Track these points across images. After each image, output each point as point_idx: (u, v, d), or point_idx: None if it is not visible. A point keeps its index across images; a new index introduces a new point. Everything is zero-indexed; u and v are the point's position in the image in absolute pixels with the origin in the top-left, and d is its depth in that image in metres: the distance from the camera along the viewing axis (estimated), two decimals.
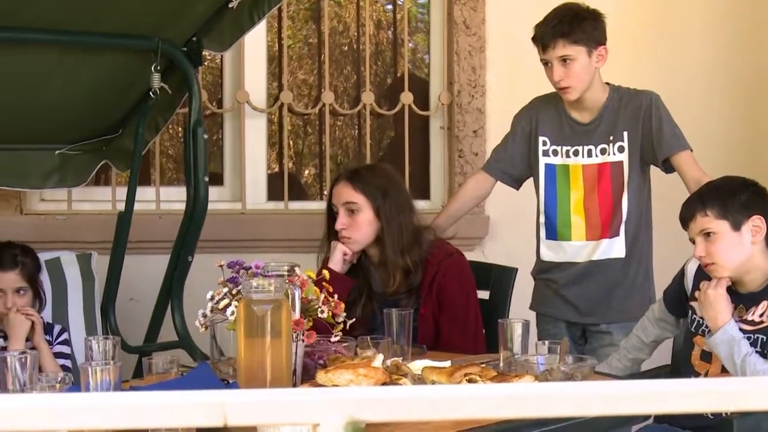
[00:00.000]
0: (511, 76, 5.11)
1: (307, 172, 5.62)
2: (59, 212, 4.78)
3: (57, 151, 4.44)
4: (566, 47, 3.77)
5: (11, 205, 4.68)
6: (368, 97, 5.13)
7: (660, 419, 3.40)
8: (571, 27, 3.77)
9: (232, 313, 2.75)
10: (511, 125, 4.13)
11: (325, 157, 5.20)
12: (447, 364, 2.89)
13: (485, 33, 5.15)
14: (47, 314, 4.09)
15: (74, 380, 2.95)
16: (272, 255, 4.38)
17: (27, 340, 3.81)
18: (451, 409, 0.98)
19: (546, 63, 3.84)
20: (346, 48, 5.50)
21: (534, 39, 3.85)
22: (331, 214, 3.72)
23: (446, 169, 5.22)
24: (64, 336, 3.93)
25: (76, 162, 4.48)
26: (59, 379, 2.58)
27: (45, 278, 4.09)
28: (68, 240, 4.54)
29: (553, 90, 3.92)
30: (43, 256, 4.14)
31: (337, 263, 3.63)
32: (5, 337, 3.85)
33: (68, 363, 3.89)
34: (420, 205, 4.20)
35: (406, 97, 5.16)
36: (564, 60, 3.79)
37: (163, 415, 0.92)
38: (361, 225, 3.63)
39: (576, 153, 3.94)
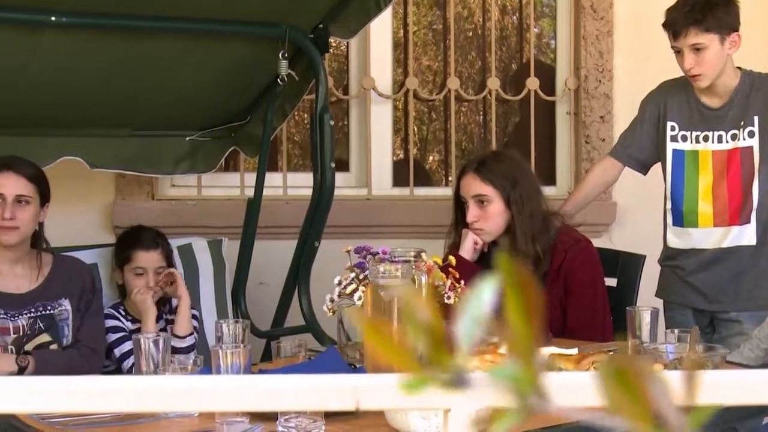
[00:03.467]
0: (639, 60, 5.04)
1: (431, 158, 5.62)
2: (189, 198, 4.86)
3: (187, 138, 4.52)
4: (698, 35, 3.69)
5: (143, 191, 4.78)
6: (494, 83, 5.11)
7: None
8: (704, 14, 3.69)
9: (360, 298, 2.77)
10: (639, 110, 4.07)
11: (450, 143, 5.19)
12: (574, 351, 2.87)
13: (612, 17, 5.08)
14: None
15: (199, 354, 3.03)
16: (397, 241, 4.39)
17: (166, 301, 3.93)
18: (582, 396, 0.97)
19: (677, 50, 3.77)
20: (471, 34, 5.49)
21: (664, 25, 3.78)
22: (459, 203, 3.72)
23: (573, 155, 5.17)
24: (194, 312, 4.06)
25: (206, 148, 4.56)
26: (191, 361, 2.64)
27: (177, 263, 4.19)
28: (198, 225, 4.62)
29: (682, 74, 3.85)
30: (176, 242, 4.23)
31: (467, 251, 3.63)
32: (133, 321, 3.95)
33: (195, 323, 4.01)
34: (546, 191, 4.17)
35: (532, 83, 5.13)
36: (696, 48, 3.71)
37: (295, 397, 0.93)
38: (492, 216, 3.63)
39: (706, 138, 3.87)
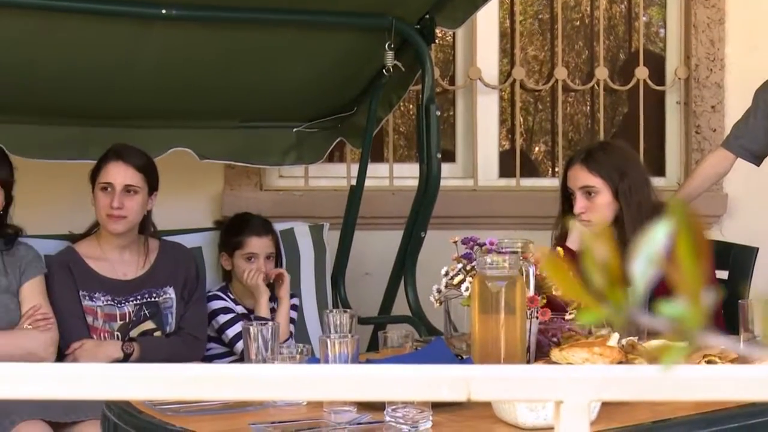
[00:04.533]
0: (752, 49, 4.94)
1: (537, 149, 5.58)
2: (296, 188, 4.90)
3: (294, 129, 4.55)
4: None
5: (252, 182, 4.83)
6: (602, 73, 5.05)
7: None
8: None
9: (467, 289, 2.77)
10: (753, 100, 3.99)
11: (557, 133, 5.15)
12: (684, 344, 2.82)
13: (725, 4, 4.98)
14: None
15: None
16: (503, 232, 4.37)
17: (272, 299, 3.99)
18: (694, 390, 0.96)
19: None
20: (578, 23, 5.43)
21: None
22: (566, 194, 3.69)
23: (683, 146, 5.09)
24: (293, 301, 4.10)
25: (313, 139, 4.58)
26: (299, 350, 2.66)
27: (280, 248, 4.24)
28: (305, 215, 4.65)
29: None
30: (278, 227, 4.27)
31: (574, 242, 3.61)
32: (237, 304, 4.00)
33: (292, 328, 4.06)
34: (655, 182, 4.11)
35: (641, 72, 5.06)
36: None
37: (407, 387, 0.93)
38: (599, 207, 3.59)
39: None
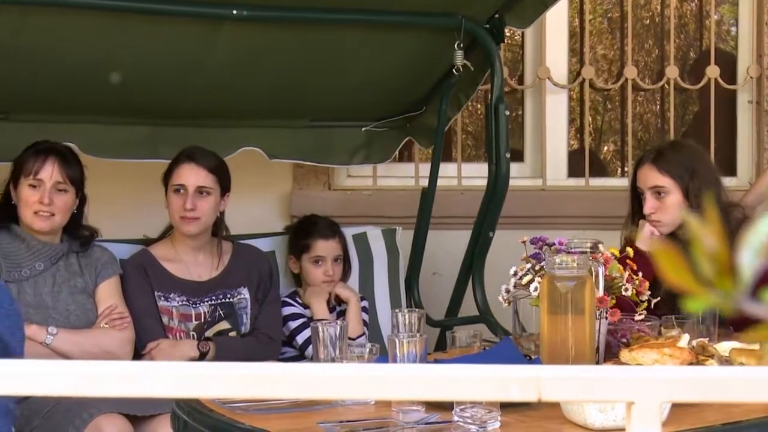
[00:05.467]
0: None
1: (606, 148, 5.55)
2: (365, 188, 4.91)
3: (363, 129, 4.56)
4: None
5: (320, 181, 4.84)
6: (672, 72, 5.00)
7: None
8: None
9: (536, 289, 2.76)
10: None
11: (627, 133, 5.11)
12: (756, 346, 2.79)
13: None
14: (354, 285, 4.25)
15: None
16: (572, 232, 4.34)
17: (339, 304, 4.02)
18: (764, 390, 0.95)
19: None
20: (648, 22, 5.39)
21: None
22: (635, 193, 3.66)
23: (754, 145, 5.03)
24: (363, 303, 4.13)
25: (381, 139, 4.59)
26: (368, 349, 2.66)
27: (352, 251, 4.25)
28: (373, 215, 4.66)
29: None
30: (351, 231, 4.29)
31: (644, 243, 3.58)
32: (306, 308, 4.02)
33: (364, 329, 4.08)
34: (726, 182, 4.06)
35: (712, 71, 5.00)
36: None
37: (477, 388, 0.93)
38: (670, 208, 3.56)
39: None
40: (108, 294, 3.67)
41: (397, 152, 4.67)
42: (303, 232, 4.08)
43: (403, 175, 5.00)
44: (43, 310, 3.58)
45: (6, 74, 3.63)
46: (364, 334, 4.01)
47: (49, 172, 3.57)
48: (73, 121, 4.03)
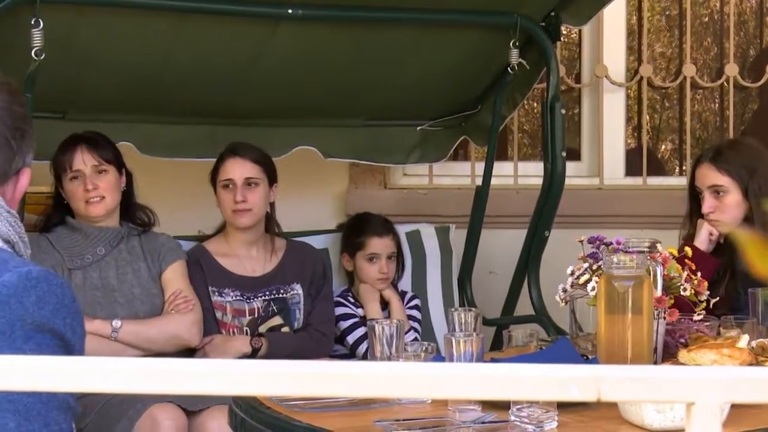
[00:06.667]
0: None
1: (663, 147, 5.51)
2: (420, 186, 4.91)
3: (418, 128, 4.56)
4: None
5: (376, 180, 4.85)
6: (732, 69, 4.95)
7: None
8: None
9: (593, 288, 2.74)
10: None
11: (685, 131, 5.07)
12: None
13: None
14: (407, 283, 4.25)
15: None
16: (629, 231, 4.31)
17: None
18: None
19: None
20: (707, 19, 5.34)
21: None
22: (694, 193, 3.63)
23: None
24: (415, 302, 4.15)
25: (437, 138, 4.59)
26: (424, 348, 2.66)
27: (405, 249, 4.25)
28: (428, 213, 4.66)
29: None
30: (404, 228, 4.29)
31: (702, 242, 3.54)
32: (359, 306, 4.03)
33: (417, 326, 4.06)
34: None
35: None
36: None
37: (536, 387, 0.93)
38: (728, 207, 3.52)
39: None
40: (174, 278, 3.71)
41: (452, 151, 4.67)
42: (357, 230, 4.09)
43: (460, 174, 4.99)
44: (109, 293, 3.62)
45: (62, 74, 3.66)
46: (411, 329, 4.02)
47: (82, 159, 3.62)
48: (129, 120, 4.07)
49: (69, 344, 1.40)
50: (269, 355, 3.73)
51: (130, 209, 3.75)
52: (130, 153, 3.94)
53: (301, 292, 3.89)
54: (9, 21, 3.38)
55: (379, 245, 4.03)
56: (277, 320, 3.85)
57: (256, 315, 3.82)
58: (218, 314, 3.79)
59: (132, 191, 3.77)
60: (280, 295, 3.86)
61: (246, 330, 3.79)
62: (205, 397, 3.34)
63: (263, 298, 3.84)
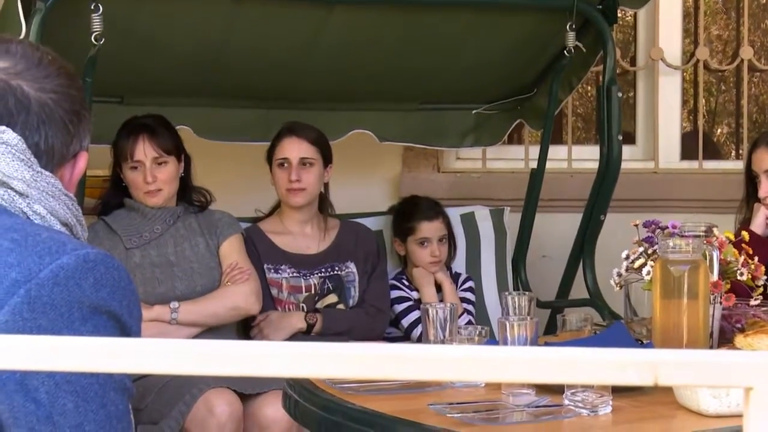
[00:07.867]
0: None
1: (719, 130, 5.46)
2: (474, 170, 4.90)
3: (473, 111, 4.55)
4: None
5: (429, 164, 4.85)
6: None
7: None
8: None
9: (648, 272, 2.72)
10: None
11: (742, 115, 5.01)
12: None
13: None
14: (461, 265, 4.26)
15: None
16: (685, 215, 4.28)
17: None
18: None
19: None
20: (765, 1, 5.28)
21: None
22: (750, 176, 3.60)
23: None
24: (469, 284, 4.15)
25: (492, 121, 4.57)
26: (478, 332, 2.66)
27: (459, 231, 4.25)
28: (482, 197, 4.65)
29: None
30: (458, 211, 4.29)
31: (759, 226, 3.51)
32: (413, 290, 4.04)
33: (471, 308, 4.07)
34: None
35: None
36: None
37: (593, 371, 0.92)
38: None
39: None
40: (231, 251, 3.73)
41: (507, 135, 4.65)
42: (406, 215, 4.08)
43: (513, 158, 4.98)
44: (168, 269, 3.65)
45: (121, 58, 3.69)
46: (464, 313, 4.02)
47: (143, 150, 3.64)
48: (186, 104, 4.10)
49: (126, 326, 1.41)
50: (324, 331, 3.76)
51: (186, 191, 3.78)
52: (189, 136, 3.96)
53: (355, 270, 3.91)
54: (70, 6, 3.41)
55: (430, 229, 4.02)
56: (332, 298, 3.87)
57: (312, 292, 3.84)
58: (274, 291, 3.81)
59: (189, 175, 3.80)
60: (335, 273, 3.89)
61: (302, 306, 3.82)
62: (261, 382, 3.36)
63: (319, 275, 3.86)
